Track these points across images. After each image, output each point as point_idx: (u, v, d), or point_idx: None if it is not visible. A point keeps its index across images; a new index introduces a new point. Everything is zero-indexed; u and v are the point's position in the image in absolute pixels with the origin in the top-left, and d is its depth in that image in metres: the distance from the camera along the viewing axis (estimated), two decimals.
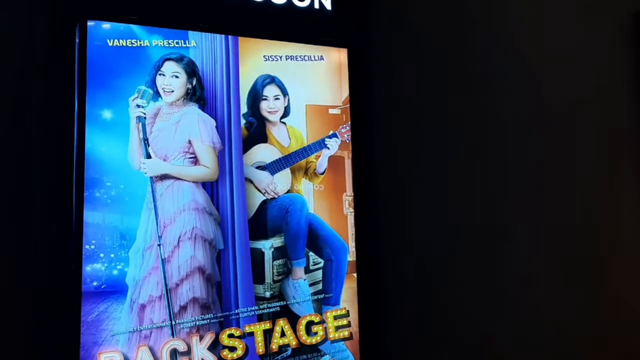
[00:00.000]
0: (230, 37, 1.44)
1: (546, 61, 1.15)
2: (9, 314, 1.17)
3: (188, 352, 1.33)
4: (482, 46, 1.29)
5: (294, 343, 1.48)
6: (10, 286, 1.17)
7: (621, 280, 1.04)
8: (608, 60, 1.05)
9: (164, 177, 1.34)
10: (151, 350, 1.29)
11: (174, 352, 1.32)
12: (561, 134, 1.11)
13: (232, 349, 1.39)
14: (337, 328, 1.55)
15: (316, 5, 1.57)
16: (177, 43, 1.37)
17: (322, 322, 1.53)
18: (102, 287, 1.25)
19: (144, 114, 1.32)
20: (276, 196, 1.51)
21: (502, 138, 1.24)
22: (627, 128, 1.03)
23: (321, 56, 1.58)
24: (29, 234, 1.21)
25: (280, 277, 1.50)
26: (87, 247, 1.23)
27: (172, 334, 1.32)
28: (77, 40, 1.24)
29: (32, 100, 1.24)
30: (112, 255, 1.27)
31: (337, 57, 1.61)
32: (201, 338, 1.35)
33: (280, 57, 1.52)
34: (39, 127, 1.24)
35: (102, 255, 1.25)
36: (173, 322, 1.32)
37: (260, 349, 1.43)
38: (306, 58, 1.56)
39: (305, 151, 1.55)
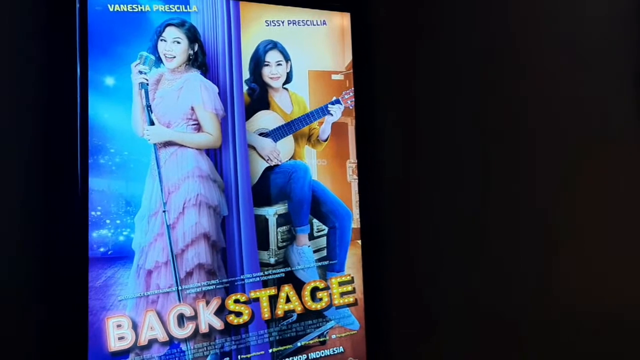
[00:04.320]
0: (231, 1, 1.42)
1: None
2: (17, 281, 1.18)
3: (195, 317, 1.35)
4: (491, 11, 1.27)
5: (299, 309, 1.50)
6: (18, 253, 1.18)
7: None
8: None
9: (167, 144, 1.34)
10: (158, 314, 1.31)
11: (181, 317, 1.33)
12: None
13: (238, 314, 1.40)
14: (342, 294, 1.56)
15: None
16: (178, 8, 1.36)
17: (326, 288, 1.55)
18: (109, 252, 1.26)
19: (147, 80, 1.31)
20: (279, 163, 1.51)
21: (505, 107, 1.23)
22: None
23: (324, 21, 1.57)
24: (34, 201, 1.22)
25: (284, 244, 1.51)
26: (93, 213, 1.24)
27: (179, 299, 1.33)
28: (77, 5, 1.23)
29: (34, 68, 1.23)
30: (118, 222, 1.27)
31: (340, 21, 1.59)
32: (207, 303, 1.37)
33: (282, 22, 1.51)
34: (41, 94, 1.24)
35: (108, 221, 1.26)
36: (179, 288, 1.33)
37: (266, 314, 1.44)
38: (308, 23, 1.55)
39: (308, 118, 1.54)
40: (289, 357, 1.47)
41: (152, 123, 1.32)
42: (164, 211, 1.32)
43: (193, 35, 1.37)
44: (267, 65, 1.50)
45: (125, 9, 1.30)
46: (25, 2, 1.22)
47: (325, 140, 1.57)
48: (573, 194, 1.09)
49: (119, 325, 1.26)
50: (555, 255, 1.12)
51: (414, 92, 1.51)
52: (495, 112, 1.25)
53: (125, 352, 1.26)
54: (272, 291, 1.46)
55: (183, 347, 1.33)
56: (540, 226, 1.15)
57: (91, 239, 1.24)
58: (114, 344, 1.25)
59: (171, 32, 1.35)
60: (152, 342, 1.29)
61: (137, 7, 1.31)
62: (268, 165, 1.50)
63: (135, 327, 1.28)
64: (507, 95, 1.21)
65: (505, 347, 1.25)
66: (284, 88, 1.53)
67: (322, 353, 1.52)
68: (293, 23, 1.52)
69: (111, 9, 1.28)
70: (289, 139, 1.53)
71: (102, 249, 1.25)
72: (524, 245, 1.19)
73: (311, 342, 1.51)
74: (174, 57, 1.35)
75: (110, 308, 1.25)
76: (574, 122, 1.08)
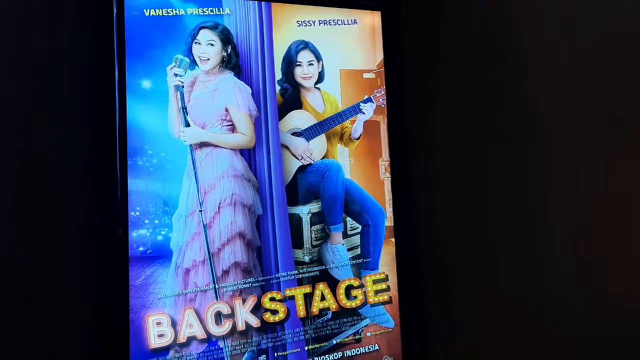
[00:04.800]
0: (263, 3, 1.44)
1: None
2: (61, 280, 1.21)
3: (232, 314, 1.37)
4: (526, 8, 1.26)
5: (334, 307, 1.50)
6: (60, 253, 1.21)
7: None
8: None
9: (203, 144, 1.37)
10: (197, 312, 1.33)
11: (218, 315, 1.35)
12: None
13: (274, 312, 1.42)
14: (377, 292, 1.57)
15: None
16: (212, 11, 1.38)
17: (361, 286, 1.55)
18: (148, 252, 1.29)
19: (182, 82, 1.34)
20: (312, 162, 1.52)
21: (541, 105, 1.21)
22: None
23: (354, 20, 1.58)
24: (75, 203, 1.25)
25: (318, 242, 1.52)
26: (132, 213, 1.27)
27: (216, 297, 1.35)
28: (114, 10, 1.26)
29: (73, 73, 1.26)
30: (156, 222, 1.30)
31: (371, 20, 1.60)
32: (244, 301, 1.38)
33: (314, 22, 1.52)
34: (81, 98, 1.27)
35: (146, 221, 1.29)
36: (216, 286, 1.36)
37: (302, 312, 1.45)
38: (339, 22, 1.56)
39: (340, 116, 1.55)
40: (324, 355, 1.48)
41: (187, 124, 1.35)
42: (200, 211, 1.35)
43: (226, 37, 1.39)
44: (299, 65, 1.51)
45: (161, 14, 1.33)
46: (63, 9, 1.25)
47: (358, 138, 1.58)
48: (603, 193, 1.08)
49: (158, 323, 1.29)
50: (588, 253, 1.11)
51: (445, 89, 1.50)
52: (530, 111, 1.23)
53: (165, 349, 1.29)
54: (307, 289, 1.47)
55: (221, 344, 1.35)
56: (573, 224, 1.14)
57: (131, 238, 1.27)
58: (154, 341, 1.28)
59: (205, 35, 1.37)
60: (190, 339, 1.32)
61: (172, 11, 1.34)
62: (301, 164, 1.51)
63: (174, 324, 1.30)
64: (543, 94, 1.20)
65: (543, 348, 1.23)
66: (316, 87, 1.54)
67: (358, 351, 1.53)
68: (324, 23, 1.53)
69: (147, 14, 1.31)
70: (322, 138, 1.54)
71: (141, 248, 1.28)
72: (560, 244, 1.18)
73: (346, 339, 1.52)
74: (208, 59, 1.38)
75: (150, 306, 1.28)
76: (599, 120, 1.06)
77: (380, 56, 1.60)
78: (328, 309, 1.50)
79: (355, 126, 1.57)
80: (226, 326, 1.36)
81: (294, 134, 1.51)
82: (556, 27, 1.16)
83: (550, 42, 1.17)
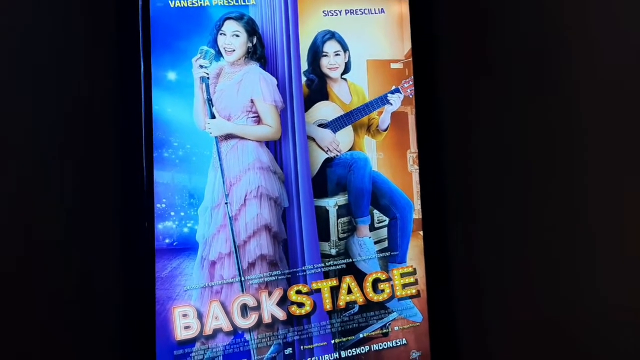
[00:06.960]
0: None
1: None
2: (89, 273, 1.22)
3: (258, 307, 1.36)
4: None
5: (360, 300, 1.49)
6: (88, 247, 1.22)
7: None
8: None
9: (228, 136, 1.36)
10: (222, 305, 1.33)
11: (244, 307, 1.35)
12: None
13: (300, 304, 1.41)
14: (404, 286, 1.54)
15: None
16: (237, 1, 1.37)
17: (388, 279, 1.53)
18: (174, 244, 1.29)
19: (207, 74, 1.34)
20: (339, 154, 1.50)
21: (585, 102, 1.17)
22: None
23: (382, 9, 1.54)
24: (101, 195, 1.26)
25: (345, 235, 1.50)
26: (158, 205, 1.27)
27: (242, 290, 1.35)
28: (140, 2, 1.26)
29: (98, 65, 1.27)
30: (182, 214, 1.30)
31: (399, 9, 1.56)
32: (270, 294, 1.38)
33: (340, 12, 1.50)
34: (106, 91, 1.28)
35: (172, 213, 1.29)
36: (242, 279, 1.35)
37: (328, 305, 1.44)
38: (366, 11, 1.53)
39: (367, 107, 1.53)
40: (351, 348, 1.47)
41: (213, 116, 1.34)
42: (226, 203, 1.34)
43: (251, 28, 1.38)
44: (326, 55, 1.49)
45: (186, 4, 1.32)
46: (89, 2, 1.26)
47: (385, 130, 1.55)
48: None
49: (184, 315, 1.29)
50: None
51: (475, 79, 1.46)
52: (573, 107, 1.18)
53: (191, 341, 1.29)
54: (334, 282, 1.46)
55: (247, 337, 1.35)
56: (613, 225, 1.10)
57: (157, 230, 1.27)
58: (180, 333, 1.28)
59: (230, 26, 1.36)
60: (216, 331, 1.32)
61: (197, 2, 1.33)
62: (328, 156, 1.49)
63: (200, 316, 1.30)
64: (579, 89, 1.15)
65: (577, 352, 1.20)
66: (343, 78, 1.52)
67: (385, 345, 1.51)
68: (351, 12, 1.51)
69: (172, 5, 1.31)
70: (349, 129, 1.52)
71: (167, 240, 1.28)
72: (600, 245, 1.14)
73: (373, 333, 1.50)
74: (234, 50, 1.37)
75: (176, 298, 1.29)
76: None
77: (408, 46, 1.57)
78: (355, 302, 1.48)
79: (383, 117, 1.55)
80: (252, 319, 1.36)
81: (320, 125, 1.49)
82: (605, 26, 1.11)
83: (598, 39, 1.13)
